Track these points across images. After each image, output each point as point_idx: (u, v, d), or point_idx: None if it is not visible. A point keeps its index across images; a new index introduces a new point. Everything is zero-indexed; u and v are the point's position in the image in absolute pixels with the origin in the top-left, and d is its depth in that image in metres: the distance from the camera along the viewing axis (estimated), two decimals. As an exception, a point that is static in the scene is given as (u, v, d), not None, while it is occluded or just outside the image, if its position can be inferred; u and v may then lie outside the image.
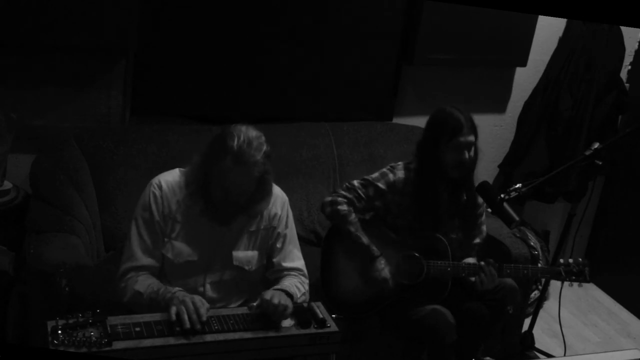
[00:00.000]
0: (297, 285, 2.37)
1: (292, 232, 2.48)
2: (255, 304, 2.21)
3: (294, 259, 2.47)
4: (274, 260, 2.44)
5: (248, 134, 2.19)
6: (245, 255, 2.38)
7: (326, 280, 2.82)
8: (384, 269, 2.73)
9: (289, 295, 2.26)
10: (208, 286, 2.35)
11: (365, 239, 2.74)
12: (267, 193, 2.32)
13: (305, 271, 2.49)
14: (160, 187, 2.32)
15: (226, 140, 2.17)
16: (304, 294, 2.39)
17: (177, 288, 2.21)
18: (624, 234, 4.27)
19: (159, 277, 2.31)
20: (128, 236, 2.33)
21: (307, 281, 2.47)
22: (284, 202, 2.46)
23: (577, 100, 3.96)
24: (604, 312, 4.15)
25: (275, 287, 2.32)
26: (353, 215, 2.75)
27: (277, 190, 2.44)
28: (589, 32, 3.89)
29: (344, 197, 2.77)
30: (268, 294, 2.20)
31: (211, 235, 2.33)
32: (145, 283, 2.25)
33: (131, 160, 3.02)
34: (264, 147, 2.21)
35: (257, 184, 2.24)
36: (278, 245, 2.43)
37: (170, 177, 2.35)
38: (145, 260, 2.29)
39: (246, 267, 2.38)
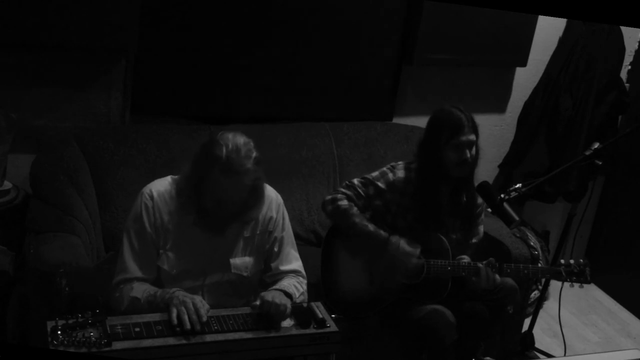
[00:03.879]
0: (295, 285, 2.37)
1: (288, 233, 2.47)
2: (257, 303, 2.21)
3: (292, 260, 2.46)
4: (272, 264, 2.43)
5: (236, 141, 2.14)
6: (243, 261, 2.37)
7: (326, 280, 2.82)
8: (400, 244, 2.70)
9: (288, 295, 2.26)
10: (206, 294, 2.33)
11: (371, 226, 2.73)
12: (259, 199, 2.29)
13: (303, 272, 2.49)
14: (151, 197, 2.28)
15: (214, 150, 2.13)
16: (302, 294, 2.39)
17: (175, 288, 2.21)
18: (624, 234, 4.27)
19: (155, 287, 2.28)
20: (120, 248, 2.31)
21: (305, 282, 2.46)
22: (278, 204, 2.43)
23: (577, 100, 3.96)
24: (604, 312, 4.15)
25: (274, 287, 2.32)
26: (355, 209, 2.75)
27: (271, 192, 2.42)
28: (589, 32, 3.89)
29: (344, 194, 2.77)
30: (268, 295, 2.20)
31: (206, 244, 2.31)
32: (140, 289, 2.23)
33: (131, 160, 3.02)
34: (253, 154, 2.16)
35: (250, 191, 2.21)
36: (275, 249, 2.42)
37: (162, 187, 2.31)
38: (138, 273, 2.27)
39: (244, 273, 2.37)
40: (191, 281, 2.32)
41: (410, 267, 2.71)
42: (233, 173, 2.11)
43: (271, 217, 2.39)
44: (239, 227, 2.34)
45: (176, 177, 2.33)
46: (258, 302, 2.19)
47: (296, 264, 2.47)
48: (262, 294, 2.22)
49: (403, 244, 2.71)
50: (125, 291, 2.24)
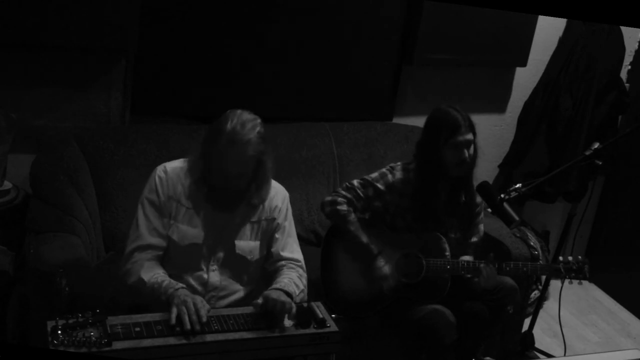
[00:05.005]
0: (295, 282, 2.37)
1: (291, 226, 2.52)
2: (259, 301, 2.21)
3: (293, 250, 2.50)
4: (273, 250, 2.46)
5: (242, 117, 2.26)
6: (248, 244, 2.40)
7: (326, 280, 2.82)
8: (384, 266, 2.74)
9: (288, 294, 2.27)
10: (212, 273, 2.37)
11: (364, 238, 2.75)
12: (265, 178, 2.36)
13: (304, 264, 2.50)
14: (165, 171, 2.38)
15: (221, 124, 2.24)
16: (302, 290, 2.40)
17: (180, 285, 2.23)
18: (624, 234, 4.27)
19: (164, 261, 2.34)
20: (135, 218, 2.38)
21: (305, 276, 2.47)
22: (284, 196, 2.51)
23: (577, 100, 3.96)
24: (604, 312, 4.15)
25: (274, 286, 2.32)
26: (352, 215, 2.76)
27: (278, 185, 2.50)
28: (589, 32, 3.89)
29: (344, 196, 2.77)
30: (272, 294, 2.21)
31: (215, 221, 2.36)
32: (150, 271, 2.27)
33: (131, 161, 3.02)
34: (258, 128, 2.27)
35: (255, 165, 2.28)
36: (277, 236, 2.46)
37: (176, 164, 2.41)
38: (152, 240, 2.33)
39: (248, 257, 2.41)
40: (197, 258, 2.36)
41: (384, 289, 2.74)
42: (236, 142, 2.20)
43: (276, 206, 2.46)
44: (247, 210, 2.40)
45: (188, 158, 2.41)
46: (260, 301, 2.20)
47: (297, 254, 2.51)
48: (266, 292, 2.24)
49: (386, 269, 2.73)
50: (136, 267, 2.29)
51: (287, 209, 2.50)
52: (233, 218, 2.39)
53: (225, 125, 2.22)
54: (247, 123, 2.24)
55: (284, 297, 2.20)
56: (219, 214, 2.36)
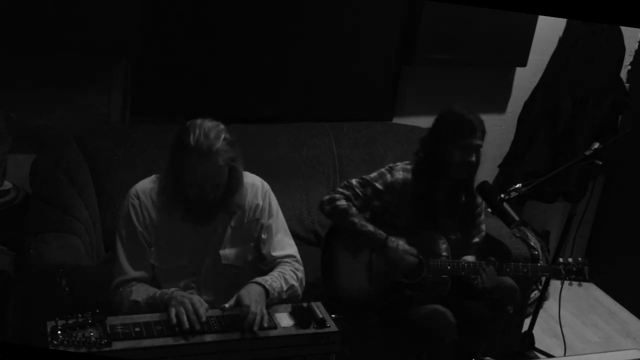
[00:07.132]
0: (286, 276, 2.32)
1: (277, 220, 2.44)
2: (228, 305, 2.14)
3: (285, 247, 2.44)
4: (264, 252, 2.41)
5: (204, 126, 2.16)
6: (232, 252, 2.36)
7: (327, 280, 2.82)
8: (398, 244, 2.71)
9: (266, 291, 2.21)
10: (203, 289, 2.34)
11: (371, 227, 2.73)
12: (239, 182, 2.29)
13: (299, 257, 2.45)
14: (137, 196, 2.30)
15: (183, 138, 2.15)
16: (291, 286, 2.34)
17: (173, 288, 2.21)
18: (624, 234, 4.27)
19: (152, 285, 2.29)
20: (114, 249, 2.32)
21: (301, 268, 2.42)
22: (265, 192, 2.42)
23: (577, 100, 3.96)
24: (604, 312, 4.15)
25: (257, 279, 2.25)
26: (354, 209, 2.76)
27: (257, 180, 2.43)
28: (589, 32, 3.89)
29: (342, 194, 2.78)
30: (246, 297, 2.13)
31: (196, 238, 2.31)
32: (140, 291, 2.23)
33: (131, 160, 3.02)
34: (223, 135, 2.17)
35: (228, 173, 2.21)
36: (264, 236, 2.41)
37: (147, 185, 2.33)
38: (135, 273, 2.27)
39: (236, 264, 2.37)
40: (186, 277, 2.32)
41: (409, 265, 2.71)
42: (204, 154, 2.12)
43: (257, 205, 2.39)
44: (226, 218, 2.34)
45: (160, 174, 2.33)
46: (233, 302, 2.14)
47: (290, 249, 2.44)
48: (240, 293, 2.17)
49: (402, 243, 2.71)
50: (124, 294, 2.24)
51: (269, 205, 2.42)
52: (213, 229, 2.33)
53: (188, 139, 2.12)
54: (210, 132, 2.14)
55: (256, 304, 2.12)
56: (198, 228, 2.30)
